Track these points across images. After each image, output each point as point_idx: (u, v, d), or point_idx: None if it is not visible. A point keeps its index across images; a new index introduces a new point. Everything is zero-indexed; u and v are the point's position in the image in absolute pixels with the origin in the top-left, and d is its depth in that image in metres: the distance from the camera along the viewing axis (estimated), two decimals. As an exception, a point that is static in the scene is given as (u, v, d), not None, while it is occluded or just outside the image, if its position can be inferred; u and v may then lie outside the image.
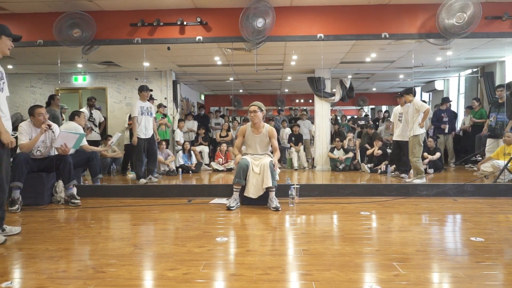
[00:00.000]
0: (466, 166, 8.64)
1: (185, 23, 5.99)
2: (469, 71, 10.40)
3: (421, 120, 6.26)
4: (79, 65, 8.81)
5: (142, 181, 6.32)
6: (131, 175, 7.43)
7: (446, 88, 11.49)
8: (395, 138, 7.16)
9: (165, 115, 8.74)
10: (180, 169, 8.04)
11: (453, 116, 9.07)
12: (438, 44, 6.56)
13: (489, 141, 7.54)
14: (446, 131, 8.82)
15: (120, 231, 3.78)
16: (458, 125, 9.73)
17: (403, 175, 6.98)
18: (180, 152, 8.32)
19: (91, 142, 7.16)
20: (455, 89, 11.18)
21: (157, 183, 6.51)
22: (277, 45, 6.90)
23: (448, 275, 2.52)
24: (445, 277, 2.49)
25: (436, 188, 5.65)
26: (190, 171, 8.18)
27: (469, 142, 8.89)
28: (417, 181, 6.16)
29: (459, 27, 5.65)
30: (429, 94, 12.20)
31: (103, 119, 8.35)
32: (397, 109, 7.13)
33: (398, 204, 5.03)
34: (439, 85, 11.52)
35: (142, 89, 6.57)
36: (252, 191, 4.70)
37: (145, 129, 6.43)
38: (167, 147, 8.09)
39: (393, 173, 7.33)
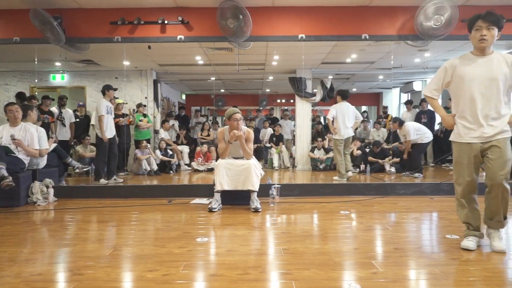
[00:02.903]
0: (443, 165, 8.83)
1: (166, 22, 5.93)
2: (446, 72, 10.60)
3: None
4: (57, 63, 8.64)
5: (103, 181, 6.24)
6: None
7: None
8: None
9: (145, 115, 8.65)
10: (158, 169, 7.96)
11: (432, 116, 9.25)
12: (416, 46, 6.69)
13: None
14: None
15: (98, 232, 3.73)
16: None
17: (416, 174, 7.11)
18: (158, 151, 8.25)
19: (61, 143, 7.06)
20: (423, 91, 11.39)
21: (123, 183, 6.41)
22: (258, 45, 6.91)
23: (424, 272, 2.57)
24: (422, 274, 2.55)
25: (413, 187, 5.76)
26: (171, 171, 8.12)
27: (446, 142, 9.08)
28: (336, 178, 6.69)
29: (437, 29, 5.76)
30: (408, 95, 12.42)
31: (77, 119, 8.11)
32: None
33: (377, 203, 5.11)
34: (417, 86, 11.75)
35: (110, 88, 6.51)
36: (227, 183, 4.66)
37: (110, 128, 6.38)
38: (147, 148, 7.99)
39: (404, 174, 7.42)
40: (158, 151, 8.27)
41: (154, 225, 4.00)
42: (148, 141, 8.41)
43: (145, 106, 8.91)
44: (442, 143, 9.24)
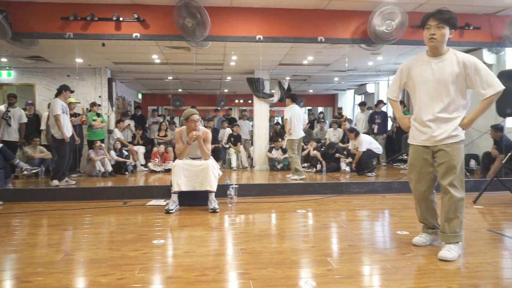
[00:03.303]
0: (394, 164, 9.20)
1: (121, 19, 5.77)
2: (397, 75, 11.06)
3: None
4: (3, 59, 8.16)
5: (55, 182, 6.00)
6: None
7: (377, 91, 12.19)
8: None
9: (98, 114, 8.37)
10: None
11: (386, 117, 9.62)
12: (369, 49, 6.94)
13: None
14: (376, 131, 9.33)
15: (48, 237, 3.57)
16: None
17: (369, 174, 7.38)
18: (112, 152, 8.01)
19: (8, 144, 6.69)
20: (385, 92, 11.86)
21: (75, 185, 6.19)
22: (217, 45, 6.89)
23: (377, 267, 2.68)
24: (375, 270, 2.65)
25: (366, 186, 5.96)
26: (126, 172, 7.91)
27: (398, 142, 9.49)
28: (293, 177, 6.81)
29: (388, 34, 6.00)
30: (362, 96, 12.83)
31: (26, 119, 7.64)
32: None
33: (332, 201, 5.24)
34: (370, 88, 12.18)
35: (67, 89, 6.27)
36: (185, 184, 4.61)
37: (67, 128, 6.16)
38: (101, 148, 7.73)
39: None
40: (112, 152, 8.03)
41: (108, 228, 3.89)
42: (102, 141, 8.14)
43: (99, 105, 8.61)
44: (394, 143, 9.64)
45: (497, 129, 6.70)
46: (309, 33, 6.17)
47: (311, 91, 14.43)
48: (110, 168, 7.63)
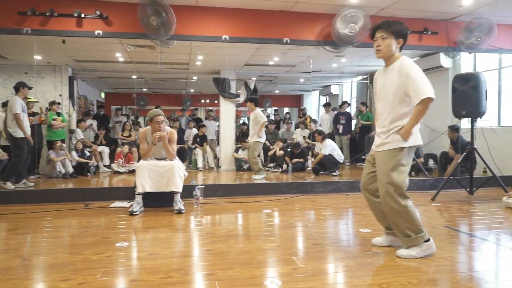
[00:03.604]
0: (357, 164, 9.43)
1: (82, 15, 5.59)
2: (360, 77, 11.40)
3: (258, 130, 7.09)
4: (-47, 55, 7.75)
5: (10, 186, 5.74)
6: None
7: (341, 92, 12.47)
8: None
9: (59, 114, 8.08)
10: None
11: (350, 118, 9.85)
12: (333, 52, 7.08)
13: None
14: (341, 131, 9.54)
15: (4, 241, 3.41)
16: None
17: (333, 173, 7.57)
18: (74, 152, 7.75)
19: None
20: (349, 94, 12.18)
21: (33, 187, 5.96)
22: (182, 44, 6.82)
23: (341, 265, 2.74)
24: (339, 267, 2.71)
25: (331, 185, 6.09)
26: (89, 174, 7.68)
27: (361, 143, 9.75)
28: (257, 177, 6.89)
29: (351, 37, 6.14)
30: (326, 97, 13.08)
31: None
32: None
33: (297, 201, 5.31)
34: (334, 89, 12.44)
35: (24, 86, 6.02)
36: (150, 185, 4.54)
37: (27, 128, 5.93)
38: (62, 148, 7.47)
39: (323, 173, 7.77)
40: (74, 152, 7.77)
41: (69, 231, 3.77)
42: (63, 141, 7.86)
43: (59, 104, 8.32)
44: (357, 143, 9.88)
45: (454, 129, 7.01)
46: (275, 34, 6.22)
47: (277, 91, 14.56)
48: (71, 170, 7.38)
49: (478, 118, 5.41)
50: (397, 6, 5.96)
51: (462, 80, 5.43)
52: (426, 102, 2.67)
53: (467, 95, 5.30)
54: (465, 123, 6.93)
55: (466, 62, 8.15)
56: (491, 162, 5.66)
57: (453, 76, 5.98)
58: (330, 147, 7.77)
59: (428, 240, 2.85)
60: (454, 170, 6.00)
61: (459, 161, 5.86)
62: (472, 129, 5.47)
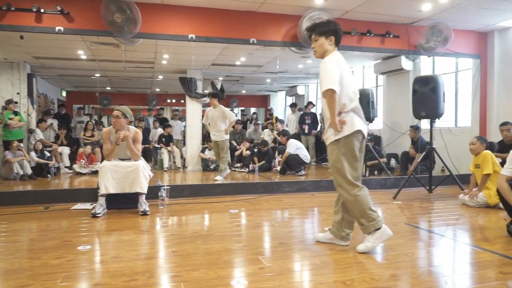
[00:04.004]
0: (323, 164, 9.60)
1: (42, 10, 5.38)
2: (326, 78, 11.56)
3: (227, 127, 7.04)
4: None
5: None
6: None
7: (307, 93, 12.65)
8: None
9: (16, 113, 7.74)
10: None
11: (315, 118, 9.99)
12: (299, 53, 7.16)
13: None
14: (306, 131, 9.68)
15: (-44, 247, 3.24)
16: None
17: (299, 173, 7.63)
18: (33, 153, 7.45)
19: None
20: (314, 94, 12.37)
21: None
22: (147, 42, 6.69)
23: (306, 263, 2.79)
24: (305, 265, 2.75)
25: (297, 185, 6.16)
26: (49, 175, 7.40)
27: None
28: (220, 178, 6.81)
29: (317, 39, 6.23)
30: (293, 98, 13.23)
31: None
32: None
33: (264, 201, 5.34)
34: (300, 90, 12.60)
35: None
36: (113, 186, 4.43)
37: None
38: (19, 149, 7.15)
39: (290, 172, 7.84)
40: (33, 153, 7.46)
41: (27, 235, 3.62)
42: (20, 141, 7.53)
43: (16, 103, 7.96)
44: (322, 143, 10.03)
45: (416, 129, 7.27)
46: (242, 34, 6.23)
47: (244, 91, 14.58)
48: (29, 171, 7.08)
49: (437, 119, 5.63)
50: (360, 9, 6.11)
51: (422, 83, 5.64)
52: (326, 94, 2.86)
53: (426, 97, 5.50)
54: (424, 124, 7.19)
55: (425, 65, 8.47)
56: (448, 161, 5.91)
57: (413, 78, 6.20)
58: (294, 146, 7.86)
59: (380, 228, 2.94)
60: (415, 169, 6.22)
61: (419, 160, 6.08)
62: (431, 130, 5.69)
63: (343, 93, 2.91)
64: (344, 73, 2.96)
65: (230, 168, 8.86)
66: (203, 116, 8.13)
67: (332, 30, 3.02)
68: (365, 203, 2.94)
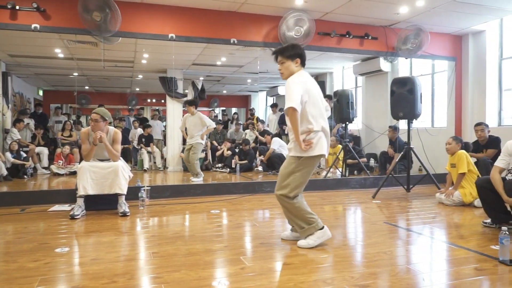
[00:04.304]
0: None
1: (17, 7, 5.25)
2: (306, 79, 11.65)
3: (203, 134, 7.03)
4: None
5: None
6: None
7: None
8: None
9: (-9, 112, 7.54)
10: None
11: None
12: (280, 53, 7.17)
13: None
14: (286, 132, 9.72)
15: None
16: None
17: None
18: (8, 153, 7.26)
19: None
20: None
21: None
22: (127, 41, 6.62)
23: (287, 262, 2.81)
24: (286, 265, 2.77)
25: (278, 185, 6.18)
26: (25, 176, 7.23)
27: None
28: (195, 180, 6.77)
29: (297, 39, 6.29)
30: (273, 98, 13.27)
31: None
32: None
33: (245, 201, 5.35)
34: (282, 90, 12.63)
35: None
36: (92, 187, 4.36)
37: None
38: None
39: (270, 172, 7.94)
40: (8, 154, 7.27)
41: (3, 238, 3.53)
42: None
43: (-10, 102, 7.76)
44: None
45: (395, 129, 7.41)
46: (222, 34, 6.22)
47: (224, 92, 14.53)
48: (5, 172, 6.90)
49: (414, 120, 5.75)
50: (339, 11, 6.19)
51: (400, 84, 5.75)
52: (288, 112, 2.94)
53: (404, 98, 5.61)
54: (402, 124, 7.34)
55: (403, 67, 8.63)
56: (425, 161, 6.04)
57: (391, 79, 6.31)
58: (277, 143, 7.98)
59: (322, 228, 3.12)
60: (393, 168, 6.34)
61: (397, 160, 6.20)
62: (408, 130, 5.80)
63: (310, 111, 3.01)
64: (312, 90, 3.06)
65: (210, 169, 8.86)
66: (183, 115, 8.05)
67: (298, 54, 3.12)
68: (302, 208, 3.11)
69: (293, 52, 3.12)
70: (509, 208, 3.57)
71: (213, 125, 7.19)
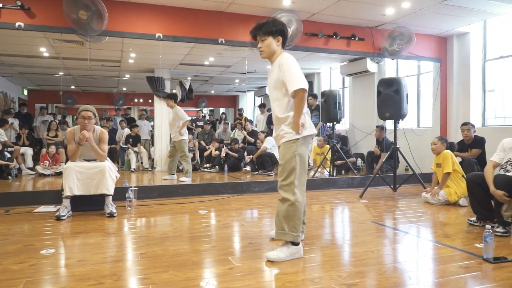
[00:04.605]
0: (292, 164, 9.70)
1: (0, 5, 5.16)
2: (294, 79, 11.69)
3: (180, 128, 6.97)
4: None
5: None
6: None
7: (276, 93, 12.71)
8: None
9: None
10: None
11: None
12: (268, 54, 7.19)
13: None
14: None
15: None
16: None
17: (269, 173, 7.79)
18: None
19: None
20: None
21: None
22: (113, 40, 6.56)
23: (276, 262, 2.80)
24: (274, 265, 2.76)
25: (266, 185, 6.20)
26: (10, 177, 7.10)
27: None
28: (186, 179, 6.74)
29: (285, 40, 6.30)
30: (261, 98, 13.29)
31: None
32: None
33: (234, 201, 5.35)
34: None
35: None
36: (78, 188, 4.31)
37: None
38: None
39: (258, 173, 8.01)
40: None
41: (-14, 240, 3.46)
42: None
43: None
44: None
45: (382, 128, 7.48)
46: (210, 34, 6.20)
47: (212, 92, 14.51)
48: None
49: (400, 120, 5.81)
50: (327, 12, 6.23)
51: (386, 84, 5.81)
52: (298, 93, 2.73)
53: (390, 98, 5.67)
54: (389, 124, 7.42)
55: (390, 68, 8.73)
56: (411, 161, 6.11)
57: (378, 80, 6.37)
58: (270, 143, 8.00)
59: (297, 244, 2.84)
60: (380, 168, 6.41)
61: (384, 159, 6.27)
62: (395, 130, 5.87)
63: None
64: None
65: (198, 169, 8.83)
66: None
67: (280, 30, 2.92)
68: (300, 212, 2.85)
69: (275, 27, 2.91)
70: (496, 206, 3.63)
71: (185, 118, 7.08)
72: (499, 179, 3.47)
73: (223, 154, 8.34)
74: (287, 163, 2.85)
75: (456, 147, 5.87)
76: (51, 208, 4.68)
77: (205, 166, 8.85)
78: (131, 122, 10.16)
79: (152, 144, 9.36)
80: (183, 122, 7.03)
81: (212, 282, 2.41)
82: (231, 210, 4.72)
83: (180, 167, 8.45)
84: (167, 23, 5.99)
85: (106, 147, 4.55)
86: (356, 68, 8.73)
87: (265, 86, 12.52)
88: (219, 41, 6.22)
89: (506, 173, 3.55)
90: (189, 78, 9.60)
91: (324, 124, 8.37)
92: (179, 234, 3.60)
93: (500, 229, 3.46)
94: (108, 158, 4.63)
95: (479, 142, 5.86)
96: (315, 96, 8.66)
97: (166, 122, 8.86)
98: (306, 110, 2.91)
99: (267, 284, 2.43)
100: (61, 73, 9.97)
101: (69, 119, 13.53)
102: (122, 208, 4.67)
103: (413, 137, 7.05)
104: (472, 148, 5.88)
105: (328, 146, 7.44)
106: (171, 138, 7.42)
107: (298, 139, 2.84)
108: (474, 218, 3.86)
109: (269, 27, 2.91)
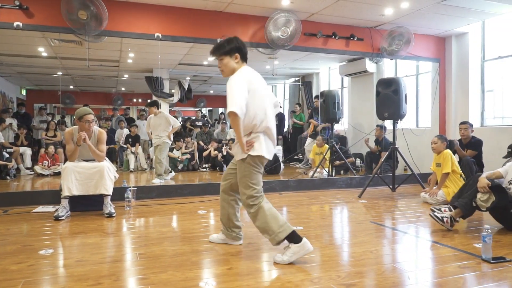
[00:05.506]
0: (290, 164, 9.70)
1: (-1, 5, 5.16)
2: (292, 79, 11.75)
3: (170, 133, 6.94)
4: None
5: None
6: None
7: (274, 93, 12.74)
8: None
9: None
10: None
11: (282, 118, 10.09)
12: (266, 53, 7.22)
13: (308, 140, 8.72)
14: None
15: None
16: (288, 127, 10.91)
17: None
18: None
19: None
20: (281, 95, 12.50)
21: None
22: (112, 40, 6.55)
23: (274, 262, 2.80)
24: (273, 265, 2.76)
25: (265, 185, 6.12)
26: (8, 177, 7.09)
27: (293, 143, 10.05)
28: (157, 180, 6.66)
29: (284, 40, 6.31)
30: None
31: None
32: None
33: (233, 201, 5.33)
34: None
35: None
36: (77, 188, 4.29)
37: None
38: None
39: None
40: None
41: (-16, 240, 3.46)
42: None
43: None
44: (290, 143, 10.16)
45: (382, 128, 7.49)
46: (209, 34, 6.20)
47: (211, 92, 14.51)
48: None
49: (399, 120, 5.82)
50: (326, 12, 6.23)
51: (385, 84, 5.81)
52: (230, 115, 2.73)
53: (389, 99, 5.67)
54: (388, 125, 7.42)
55: (388, 68, 8.74)
56: (410, 161, 6.11)
57: (377, 80, 6.37)
58: None
59: (297, 242, 2.77)
60: (379, 168, 6.41)
61: (383, 160, 6.27)
62: (394, 130, 5.87)
63: (254, 112, 2.81)
64: (257, 88, 2.89)
65: (197, 169, 8.82)
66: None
67: (235, 48, 2.97)
68: (268, 210, 2.91)
69: (229, 47, 2.96)
70: (475, 203, 3.57)
71: (177, 124, 7.08)
72: (503, 192, 3.48)
73: (224, 153, 8.32)
74: (240, 180, 2.95)
75: (457, 144, 5.81)
76: (50, 208, 4.67)
77: (204, 166, 8.85)
78: (130, 122, 10.15)
79: (151, 145, 9.35)
80: (174, 127, 7.00)
81: (211, 282, 2.41)
82: (230, 210, 4.71)
83: (180, 166, 8.46)
84: (166, 23, 5.98)
85: (104, 147, 4.55)
86: (355, 68, 8.73)
87: (264, 86, 12.51)
88: (218, 41, 6.20)
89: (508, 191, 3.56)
90: (188, 78, 9.59)
91: (329, 127, 8.35)
92: (178, 234, 3.60)
93: (446, 214, 3.61)
94: (106, 158, 4.63)
95: (475, 144, 5.82)
96: (316, 97, 8.69)
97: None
98: (263, 127, 2.88)
99: (266, 284, 2.43)
100: (59, 73, 9.95)
101: (67, 119, 13.51)
102: (121, 208, 4.66)
103: (412, 137, 7.05)
104: (468, 149, 5.86)
105: (327, 146, 7.44)
106: (151, 143, 7.38)
107: (245, 158, 2.88)
108: (445, 214, 3.69)
109: (223, 48, 2.98)
